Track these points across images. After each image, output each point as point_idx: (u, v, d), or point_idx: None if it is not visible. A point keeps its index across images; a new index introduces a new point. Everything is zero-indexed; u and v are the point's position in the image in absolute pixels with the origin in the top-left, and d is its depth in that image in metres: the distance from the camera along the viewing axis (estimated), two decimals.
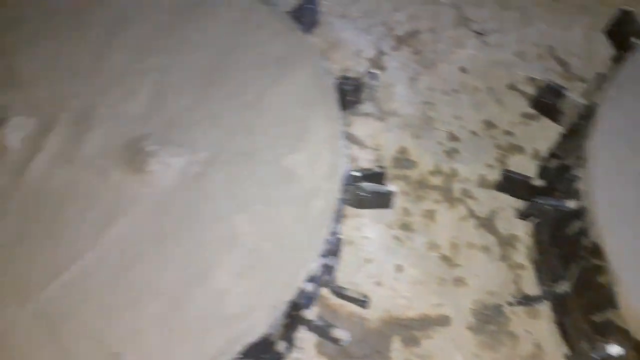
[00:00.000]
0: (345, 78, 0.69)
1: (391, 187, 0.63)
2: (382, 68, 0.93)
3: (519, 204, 0.76)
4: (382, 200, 0.66)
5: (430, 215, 0.82)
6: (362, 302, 0.67)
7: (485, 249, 0.80)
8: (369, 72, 0.68)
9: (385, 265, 0.76)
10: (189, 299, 0.56)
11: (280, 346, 0.61)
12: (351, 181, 0.63)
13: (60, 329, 0.55)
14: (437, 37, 1.00)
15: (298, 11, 0.74)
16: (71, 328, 0.55)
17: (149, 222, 0.60)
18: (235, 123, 0.65)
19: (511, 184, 0.77)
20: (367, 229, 0.77)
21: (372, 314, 0.73)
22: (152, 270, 0.58)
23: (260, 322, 0.55)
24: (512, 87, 0.95)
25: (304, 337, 0.70)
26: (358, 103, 0.71)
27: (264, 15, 0.71)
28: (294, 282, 0.57)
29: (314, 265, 0.59)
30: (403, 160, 0.86)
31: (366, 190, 0.63)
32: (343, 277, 0.69)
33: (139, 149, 0.62)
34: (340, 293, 0.67)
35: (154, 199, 0.61)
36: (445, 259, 0.79)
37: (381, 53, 0.96)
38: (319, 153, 0.62)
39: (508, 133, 0.90)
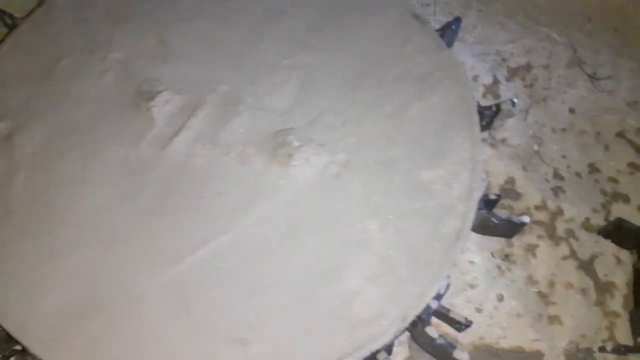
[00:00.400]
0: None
1: (525, 218, 0.63)
2: (496, 96, 0.94)
3: (622, 252, 0.75)
4: (510, 230, 0.66)
5: (531, 249, 0.82)
6: (462, 326, 0.67)
7: (583, 292, 0.79)
8: (510, 100, 0.69)
9: (488, 293, 0.76)
10: (318, 295, 0.57)
11: (381, 356, 0.62)
12: (482, 206, 0.64)
13: (189, 304, 0.57)
14: (550, 74, 0.99)
15: (442, 30, 0.75)
16: (200, 305, 0.57)
17: (285, 214, 0.61)
18: (375, 131, 0.66)
19: (621, 232, 0.77)
20: (472, 254, 0.77)
21: (465, 338, 0.73)
22: (283, 261, 0.59)
23: (387, 332, 0.56)
24: (621, 135, 0.94)
25: (396, 350, 0.70)
26: (490, 128, 0.71)
27: (413, 29, 0.72)
28: (424, 297, 0.57)
29: (443, 283, 0.59)
30: (510, 190, 0.86)
31: (499, 218, 0.63)
32: (445, 298, 0.69)
33: (284, 142, 0.64)
34: (443, 313, 0.67)
35: (292, 192, 0.62)
36: (542, 295, 0.78)
37: (496, 81, 0.97)
38: (457, 172, 0.63)
39: (613, 180, 0.89)
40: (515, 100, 0.68)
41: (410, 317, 0.56)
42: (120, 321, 0.56)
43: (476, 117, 0.66)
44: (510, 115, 0.69)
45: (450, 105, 0.67)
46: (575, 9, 1.07)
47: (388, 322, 0.56)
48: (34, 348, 0.54)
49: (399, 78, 0.69)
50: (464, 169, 0.63)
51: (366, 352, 0.54)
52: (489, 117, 0.70)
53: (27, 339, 0.55)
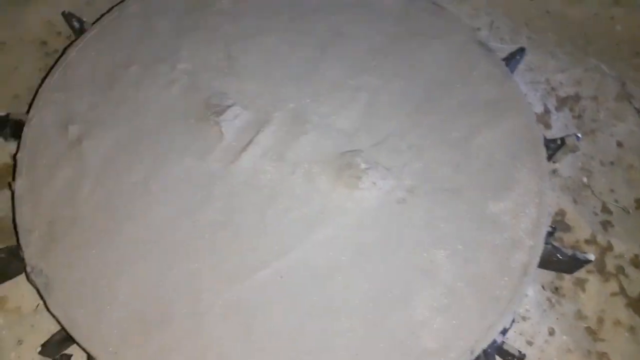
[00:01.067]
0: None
1: (590, 256, 0.62)
2: (547, 125, 0.94)
3: None
4: (573, 266, 0.65)
5: (581, 284, 0.81)
6: (515, 359, 0.66)
7: (631, 330, 0.79)
8: (575, 135, 0.68)
9: (540, 326, 0.75)
10: (384, 322, 0.57)
11: None
12: (548, 240, 0.63)
13: (252, 324, 0.56)
14: (598, 106, 0.99)
15: (506, 59, 0.75)
16: (263, 326, 0.56)
17: (351, 237, 0.61)
18: (441, 157, 0.65)
19: None
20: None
21: None
22: (349, 285, 0.58)
23: None
24: None
25: None
26: (553, 161, 0.71)
27: (479, 56, 0.72)
28: (492, 331, 0.57)
29: (509, 318, 0.59)
30: (560, 222, 0.85)
31: (564, 254, 0.63)
32: None
33: (351, 164, 0.63)
34: (498, 346, 0.67)
35: (358, 215, 0.62)
36: (591, 331, 0.78)
37: (547, 111, 0.97)
38: (524, 205, 0.62)
39: None
40: (580, 135, 0.68)
41: (478, 351, 0.56)
42: (184, 336, 0.55)
43: (543, 149, 0.66)
44: (574, 150, 0.69)
45: (517, 135, 0.67)
46: (623, 40, 1.07)
47: (455, 354, 0.55)
48: (101, 358, 0.54)
49: (465, 104, 0.69)
50: (531, 202, 0.63)
51: None
52: (552, 150, 0.69)
53: (94, 348, 0.54)
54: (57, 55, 0.98)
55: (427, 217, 0.62)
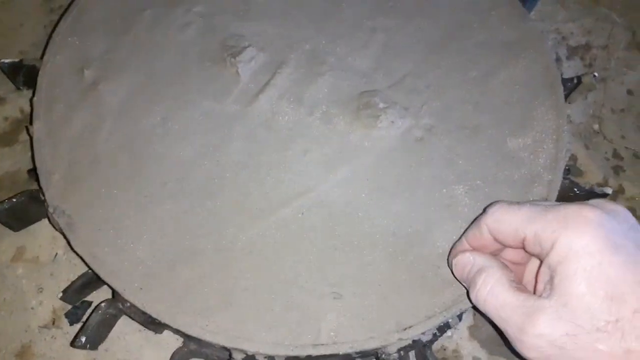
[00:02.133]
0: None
1: (607, 189, 0.63)
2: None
3: None
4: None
5: None
6: None
7: None
8: (592, 74, 0.68)
9: None
10: (405, 255, 0.57)
11: (453, 322, 0.62)
12: (566, 176, 0.64)
13: (277, 258, 0.57)
14: (609, 54, 0.99)
15: (523, 1, 0.74)
16: (288, 259, 0.57)
17: (370, 175, 0.61)
18: (459, 96, 0.65)
19: None
20: None
21: None
22: (369, 221, 0.59)
23: None
24: None
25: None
26: (568, 101, 0.71)
27: None
28: None
29: None
30: (573, 167, 0.86)
31: (581, 188, 0.63)
32: None
33: (369, 104, 0.63)
34: None
35: (376, 154, 0.62)
36: None
37: (558, 59, 0.96)
38: (542, 141, 0.63)
39: None
40: (597, 74, 0.68)
41: None
42: (210, 271, 0.56)
43: (561, 88, 0.66)
44: (591, 88, 0.69)
45: (535, 74, 0.66)
46: None
47: None
48: (127, 293, 0.55)
49: (483, 44, 0.68)
50: (549, 139, 0.63)
51: (455, 312, 0.55)
52: (569, 89, 0.69)
53: (120, 284, 0.55)
54: (62, 12, 0.97)
55: (446, 155, 0.62)
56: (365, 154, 0.62)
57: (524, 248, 0.42)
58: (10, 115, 0.83)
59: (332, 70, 0.66)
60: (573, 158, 0.89)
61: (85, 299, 0.69)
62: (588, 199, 0.66)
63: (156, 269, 0.56)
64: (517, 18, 0.70)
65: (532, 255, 0.42)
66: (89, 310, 0.68)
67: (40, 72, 0.65)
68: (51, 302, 0.70)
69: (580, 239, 0.36)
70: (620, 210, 0.39)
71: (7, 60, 0.70)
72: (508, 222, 0.42)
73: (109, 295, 0.62)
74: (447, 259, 0.52)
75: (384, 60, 0.67)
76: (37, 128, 0.63)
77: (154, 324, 0.56)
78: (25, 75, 0.71)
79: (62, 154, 0.61)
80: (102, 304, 0.57)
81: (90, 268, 0.57)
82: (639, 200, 0.86)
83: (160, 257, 0.56)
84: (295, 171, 0.61)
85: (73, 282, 0.64)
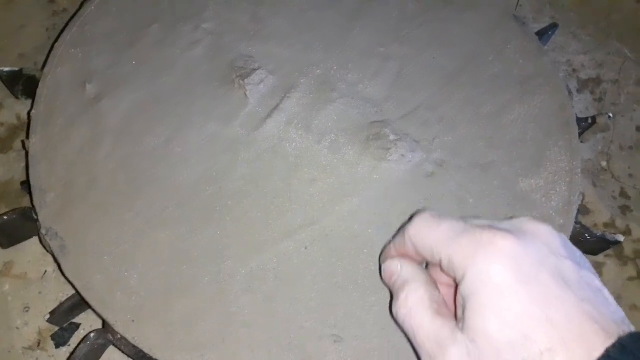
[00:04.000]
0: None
1: (619, 237, 0.61)
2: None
3: None
4: (600, 248, 0.64)
5: (599, 267, 0.81)
6: None
7: None
8: (607, 114, 0.67)
9: None
10: None
11: None
12: (577, 220, 0.62)
13: (277, 294, 0.54)
14: (619, 90, 0.98)
15: (539, 34, 0.72)
16: (289, 297, 0.54)
17: (378, 210, 0.59)
18: (472, 131, 0.63)
19: None
20: None
21: None
22: (376, 259, 0.56)
23: None
24: None
25: None
26: (581, 141, 0.69)
27: (513, 31, 0.69)
28: None
29: None
30: (580, 205, 0.84)
31: (593, 234, 0.61)
32: None
33: (379, 135, 0.61)
34: None
35: (385, 188, 0.60)
36: None
37: (569, 92, 0.95)
38: (555, 183, 0.61)
39: None
40: (611, 115, 0.66)
41: None
42: (206, 304, 0.53)
43: (575, 128, 0.64)
44: (605, 129, 0.67)
45: (550, 112, 0.65)
46: None
47: None
48: (117, 326, 0.52)
49: (498, 78, 0.66)
50: (562, 181, 0.61)
51: None
52: (583, 128, 0.68)
53: (111, 315, 0.52)
54: (65, 15, 0.95)
55: (457, 192, 0.60)
56: (373, 186, 0.60)
57: (441, 270, 0.39)
58: (6, 121, 0.80)
59: (343, 98, 0.64)
60: (581, 196, 0.88)
61: (74, 320, 0.66)
62: (599, 245, 0.64)
63: (150, 300, 0.53)
64: (534, 52, 0.68)
65: (449, 277, 0.39)
66: (77, 334, 0.66)
67: (40, 84, 0.63)
68: (37, 323, 0.67)
69: (490, 271, 0.33)
70: (541, 231, 0.36)
71: (6, 69, 0.67)
72: (426, 239, 0.39)
73: (99, 318, 0.60)
74: (379, 259, 0.49)
75: (396, 90, 0.65)
76: (33, 143, 0.60)
77: (145, 359, 0.53)
78: (24, 84, 0.69)
79: (58, 172, 0.59)
80: (92, 334, 0.54)
81: (80, 296, 0.54)
82: None
83: (154, 287, 0.54)
84: (300, 201, 0.59)
85: (61, 304, 0.61)
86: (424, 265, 0.43)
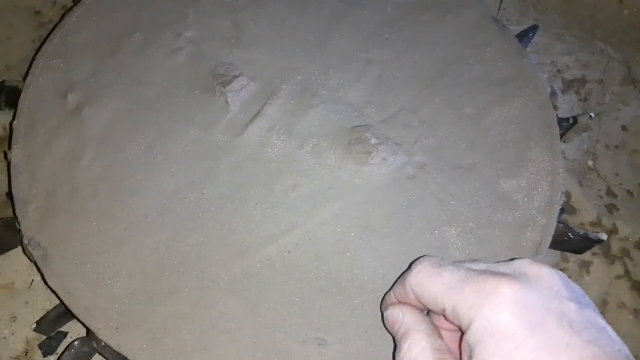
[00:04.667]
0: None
1: (602, 235, 0.61)
2: (554, 108, 0.92)
3: None
4: (583, 247, 0.64)
5: (586, 266, 0.81)
6: None
7: (635, 313, 0.79)
8: (589, 114, 0.67)
9: None
10: None
11: None
12: (561, 219, 0.62)
13: (260, 299, 0.54)
14: (605, 90, 0.98)
15: (519, 37, 0.73)
16: (272, 302, 0.54)
17: (360, 214, 0.59)
18: (453, 134, 0.64)
19: None
20: None
21: None
22: (358, 262, 0.57)
23: None
24: None
25: None
26: (563, 141, 0.69)
27: (494, 33, 0.70)
28: None
29: None
30: (567, 204, 0.85)
31: (576, 233, 0.62)
32: None
33: (361, 139, 0.62)
34: None
35: (367, 192, 0.60)
36: None
37: (554, 93, 0.95)
38: (537, 183, 0.61)
39: None
40: (593, 115, 0.67)
41: None
42: (190, 311, 0.53)
43: (557, 129, 0.64)
44: (587, 129, 0.68)
45: (531, 113, 0.65)
46: (630, 25, 1.06)
47: None
48: (101, 333, 0.52)
49: (478, 80, 0.67)
50: (544, 181, 0.61)
51: None
52: (565, 129, 0.68)
53: (95, 323, 0.52)
54: (51, 26, 0.95)
55: (439, 195, 0.60)
56: (355, 190, 0.60)
57: (445, 318, 0.39)
58: None
59: (324, 103, 0.64)
60: (567, 195, 0.88)
61: (61, 329, 0.66)
62: (582, 244, 0.64)
63: (133, 308, 0.53)
64: (514, 54, 0.68)
65: (454, 325, 0.40)
66: (65, 342, 0.66)
67: (22, 95, 0.63)
68: (25, 332, 0.67)
69: (498, 320, 0.34)
70: (544, 275, 0.36)
71: None
72: (429, 289, 0.39)
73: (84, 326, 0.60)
74: (380, 308, 0.50)
75: (378, 94, 0.66)
76: (15, 154, 0.60)
77: None
78: (7, 95, 0.69)
79: (41, 182, 0.59)
80: (76, 343, 0.54)
81: (64, 304, 0.54)
82: (633, 241, 0.84)
83: (138, 294, 0.54)
84: (283, 207, 0.59)
85: (48, 313, 0.61)
86: (426, 312, 0.44)
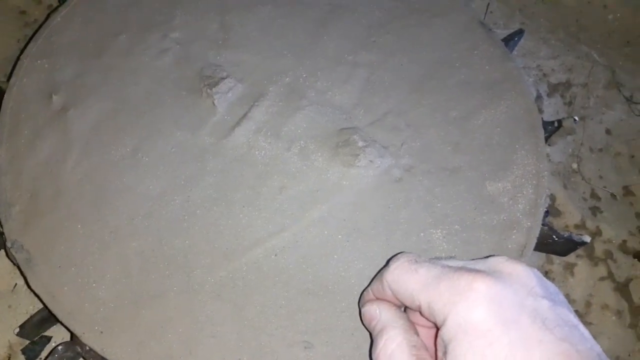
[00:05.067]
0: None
1: (586, 238, 0.62)
2: (539, 111, 0.93)
3: None
4: (567, 249, 0.65)
5: (570, 268, 0.82)
6: None
7: (618, 314, 0.80)
8: (573, 118, 0.68)
9: None
10: None
11: None
12: (545, 222, 0.63)
13: (246, 302, 0.54)
14: (589, 93, 1.00)
15: (505, 40, 0.74)
16: (258, 304, 0.54)
17: (347, 216, 0.59)
18: (439, 137, 0.64)
19: None
20: None
21: None
22: (344, 264, 0.57)
23: None
24: None
25: None
26: (548, 144, 0.70)
27: (480, 37, 0.70)
28: None
29: None
30: (551, 207, 0.86)
31: (560, 235, 0.62)
32: None
33: (348, 141, 0.62)
34: None
35: (353, 194, 0.60)
36: (579, 315, 0.78)
37: (539, 96, 0.96)
38: (522, 186, 0.62)
39: None
40: (577, 119, 0.67)
41: None
42: (175, 315, 0.53)
43: (541, 132, 0.65)
44: (571, 132, 0.68)
45: (516, 116, 0.66)
46: (614, 29, 1.08)
47: None
48: (85, 337, 0.51)
49: (464, 84, 0.67)
50: (529, 184, 0.62)
51: None
52: (550, 132, 0.69)
53: (79, 327, 0.52)
54: (36, 26, 0.94)
55: (425, 197, 0.61)
56: (342, 193, 0.60)
57: (421, 314, 0.39)
58: None
59: (312, 105, 0.64)
60: (551, 198, 0.89)
61: (45, 333, 0.65)
62: (566, 246, 0.65)
63: (118, 311, 0.53)
64: (499, 58, 0.69)
65: (430, 322, 0.40)
66: (48, 347, 0.65)
67: (5, 96, 0.62)
68: (7, 337, 0.66)
69: (471, 316, 0.34)
70: (519, 271, 0.36)
71: None
72: (405, 285, 0.39)
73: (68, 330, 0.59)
74: (358, 304, 0.50)
75: (365, 97, 0.66)
76: None
77: None
78: None
79: (24, 184, 0.58)
80: (59, 347, 0.53)
81: (47, 308, 0.54)
82: (616, 243, 0.86)
83: (123, 298, 0.53)
84: (270, 209, 0.59)
85: (31, 317, 0.61)
86: (402, 308, 0.44)
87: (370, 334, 0.44)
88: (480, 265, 0.38)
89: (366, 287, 0.46)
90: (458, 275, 0.36)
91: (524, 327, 0.33)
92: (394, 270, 0.40)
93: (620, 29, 1.08)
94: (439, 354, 0.36)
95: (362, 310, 0.45)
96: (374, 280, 0.44)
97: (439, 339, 0.36)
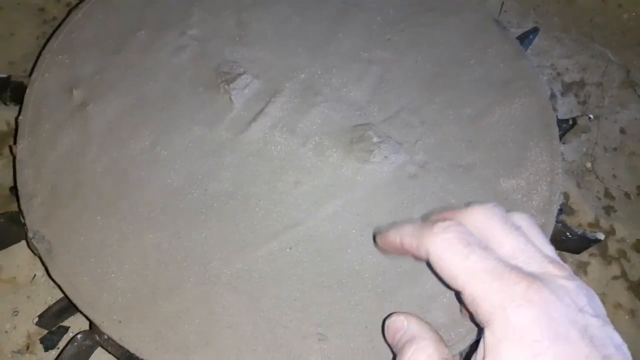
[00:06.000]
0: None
1: (600, 235, 0.62)
2: (554, 110, 0.93)
3: None
4: (581, 246, 0.65)
5: (583, 266, 0.82)
6: None
7: (632, 313, 0.79)
8: (588, 116, 0.68)
9: None
10: (395, 297, 0.56)
11: None
12: (559, 219, 0.63)
13: (262, 294, 0.55)
14: (603, 92, 0.99)
15: (520, 39, 0.74)
16: (274, 297, 0.55)
17: (361, 211, 0.60)
18: (453, 133, 0.64)
19: None
20: None
21: None
22: (358, 258, 0.57)
23: (464, 339, 0.55)
24: None
25: None
26: (562, 142, 0.70)
27: (494, 35, 0.71)
28: None
29: None
30: (565, 205, 0.86)
31: (574, 232, 0.62)
32: None
33: (363, 137, 0.62)
34: None
35: (368, 189, 0.61)
36: None
37: (553, 95, 0.96)
38: (536, 183, 0.62)
39: None
40: (592, 117, 0.67)
41: None
42: (192, 306, 0.54)
43: (556, 129, 0.65)
44: (585, 130, 0.69)
45: (530, 114, 0.66)
46: (629, 28, 1.07)
47: (465, 329, 0.55)
48: (104, 326, 0.53)
49: (479, 81, 0.68)
50: (543, 181, 0.62)
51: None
52: (564, 130, 0.69)
53: (98, 316, 0.53)
54: (55, 23, 0.96)
55: (438, 193, 0.61)
56: (357, 188, 0.61)
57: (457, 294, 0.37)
58: None
59: (327, 102, 0.65)
60: (565, 196, 0.89)
61: (63, 323, 0.66)
62: (580, 243, 0.65)
63: (136, 301, 0.54)
64: (514, 56, 0.69)
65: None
66: (66, 337, 0.66)
67: (27, 90, 0.64)
68: (26, 326, 0.67)
69: (519, 325, 0.33)
70: (571, 286, 0.35)
71: None
72: (450, 266, 0.36)
73: (87, 320, 0.60)
74: (373, 238, 0.44)
75: (379, 94, 0.66)
76: (20, 148, 0.61)
77: (131, 359, 0.53)
78: (12, 91, 0.70)
79: (45, 176, 0.60)
80: (78, 336, 0.54)
81: (67, 298, 0.55)
82: (629, 242, 0.85)
83: (141, 288, 0.55)
84: (285, 203, 0.60)
85: (50, 307, 0.62)
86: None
87: (391, 348, 0.42)
88: (534, 267, 0.37)
89: (386, 227, 0.41)
90: (514, 278, 0.35)
91: (572, 342, 0.33)
92: (440, 243, 0.37)
93: (634, 28, 1.07)
94: (478, 356, 0.36)
95: (386, 323, 0.43)
96: (408, 232, 0.39)
97: (480, 342, 0.35)
